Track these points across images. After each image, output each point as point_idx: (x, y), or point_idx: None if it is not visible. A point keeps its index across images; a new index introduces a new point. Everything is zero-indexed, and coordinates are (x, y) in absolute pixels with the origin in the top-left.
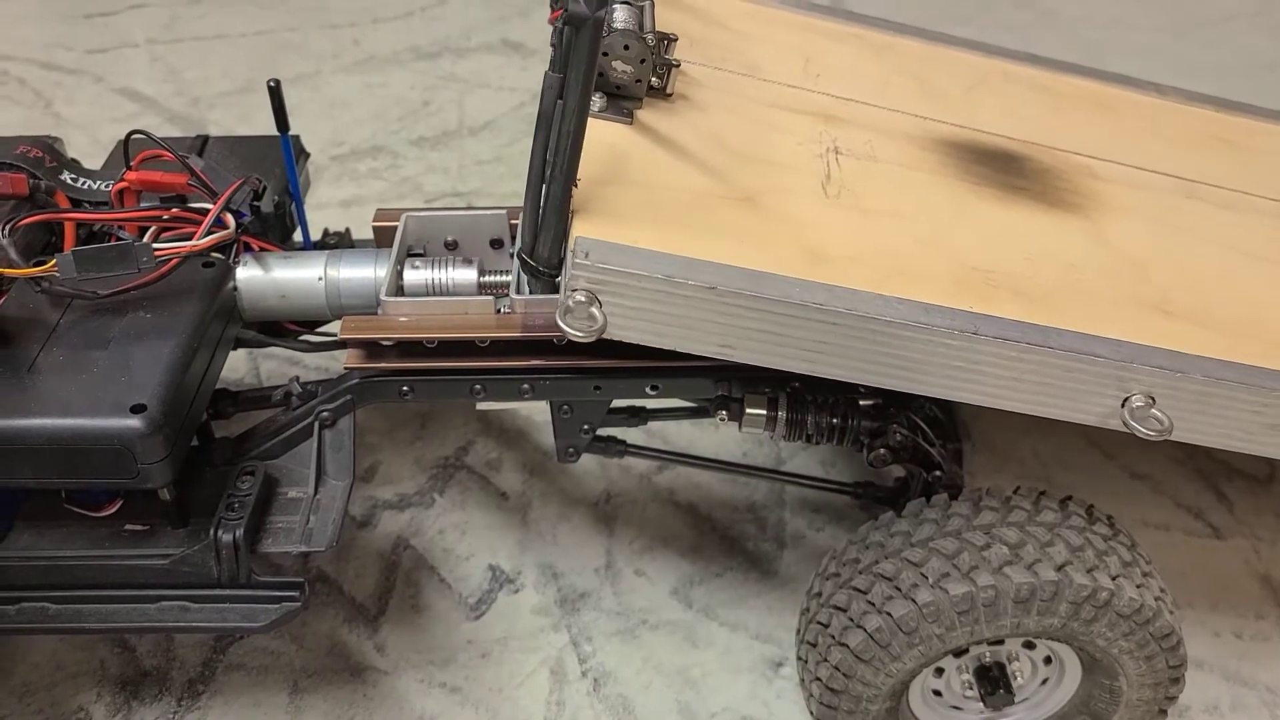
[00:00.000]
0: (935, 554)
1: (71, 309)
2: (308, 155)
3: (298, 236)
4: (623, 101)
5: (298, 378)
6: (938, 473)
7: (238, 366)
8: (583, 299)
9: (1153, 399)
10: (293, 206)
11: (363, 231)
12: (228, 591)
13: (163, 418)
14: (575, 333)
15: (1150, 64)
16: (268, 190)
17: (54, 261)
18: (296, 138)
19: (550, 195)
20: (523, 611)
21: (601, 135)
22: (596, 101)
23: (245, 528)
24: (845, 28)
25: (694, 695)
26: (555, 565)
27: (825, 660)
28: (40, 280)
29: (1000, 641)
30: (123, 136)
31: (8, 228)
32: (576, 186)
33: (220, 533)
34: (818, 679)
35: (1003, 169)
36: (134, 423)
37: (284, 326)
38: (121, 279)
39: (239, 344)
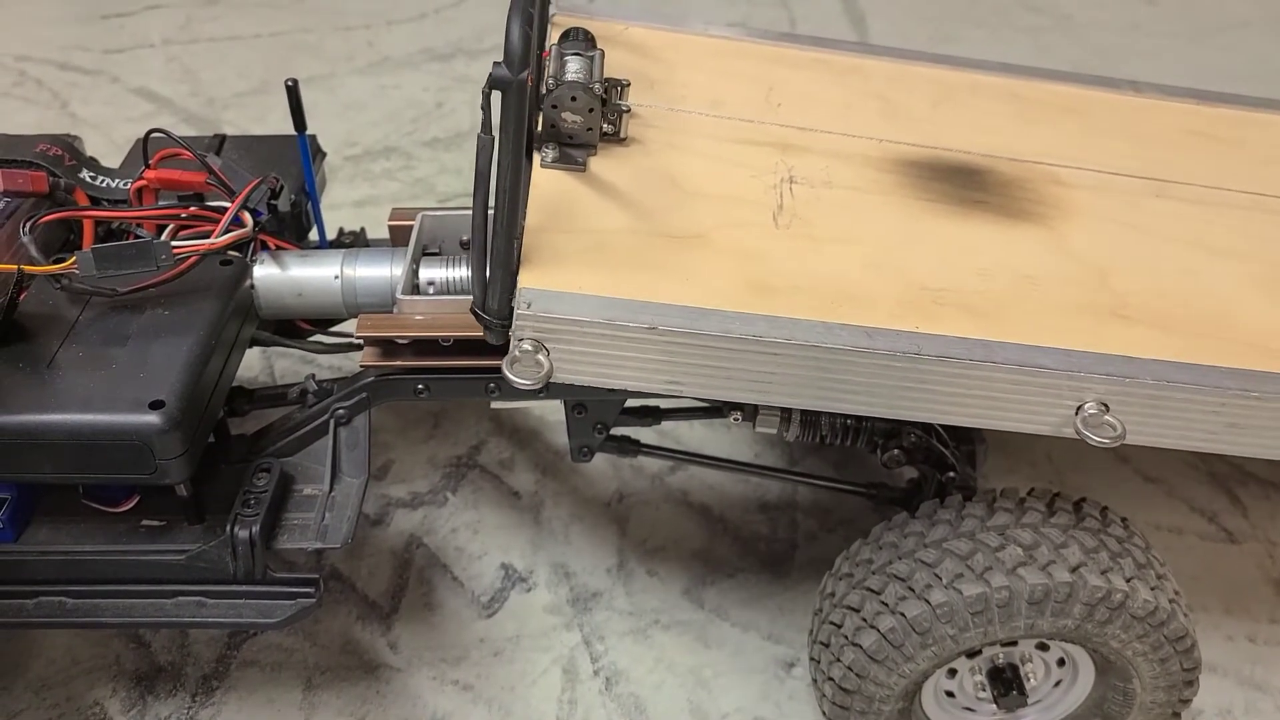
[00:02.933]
0: (949, 555)
1: (90, 306)
2: (324, 155)
3: (314, 235)
4: (575, 150)
5: (313, 375)
6: (951, 474)
7: (252, 365)
8: (529, 348)
9: (1106, 406)
10: (309, 205)
11: (377, 232)
12: (243, 587)
13: (181, 414)
14: (522, 381)
15: (1164, 68)
16: (284, 189)
17: (73, 259)
18: (313, 137)
19: (494, 251)
20: (535, 610)
21: (552, 185)
22: (549, 152)
23: (261, 524)
24: (809, 53)
25: (706, 695)
26: (567, 564)
27: (838, 660)
28: (60, 277)
29: (1014, 643)
30: (138, 136)
31: (28, 225)
32: (519, 240)
33: (236, 529)
34: (830, 679)
35: (963, 184)
36: (152, 419)
37: (298, 326)
38: (140, 276)
39: (253, 342)
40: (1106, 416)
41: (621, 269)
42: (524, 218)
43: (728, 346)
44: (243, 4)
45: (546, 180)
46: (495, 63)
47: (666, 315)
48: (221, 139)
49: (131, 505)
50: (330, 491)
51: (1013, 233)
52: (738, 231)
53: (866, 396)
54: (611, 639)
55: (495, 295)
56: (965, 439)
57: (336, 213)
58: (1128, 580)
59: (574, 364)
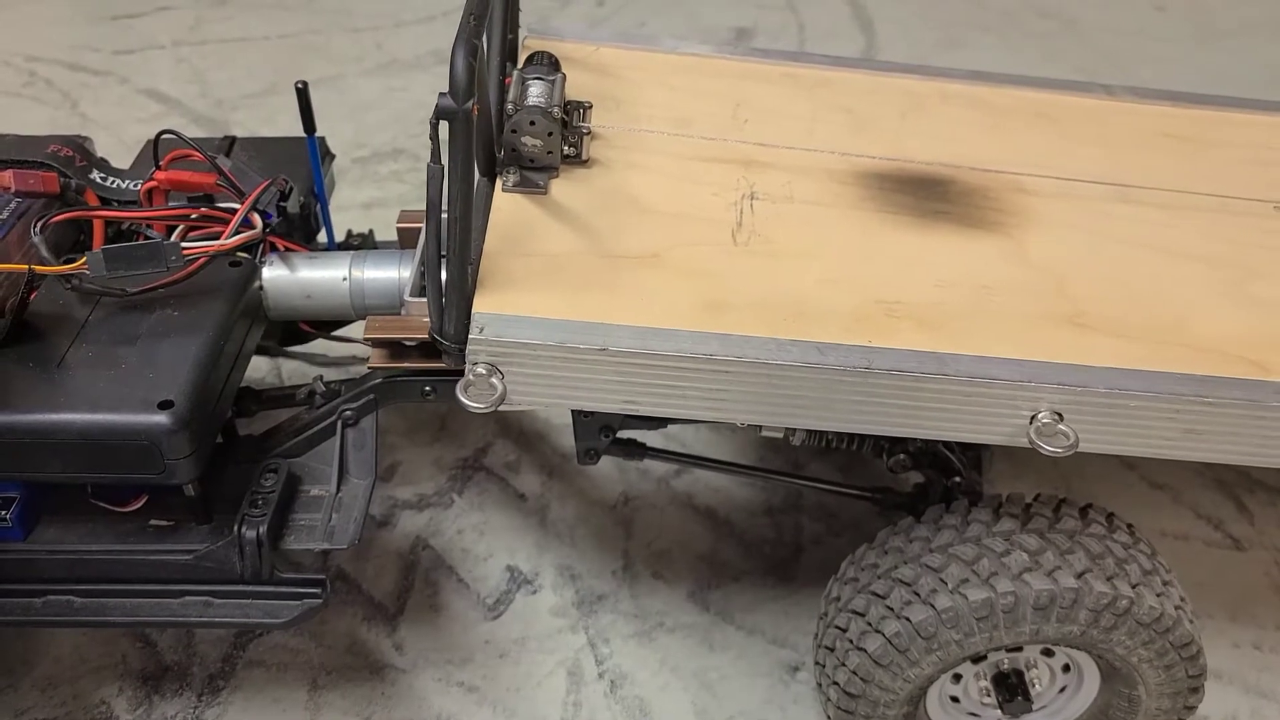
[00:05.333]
0: (955, 560)
1: (100, 306)
2: (333, 156)
3: (322, 237)
4: (536, 174)
5: (321, 376)
6: (957, 479)
7: (259, 366)
8: (483, 371)
9: (1059, 415)
10: (318, 207)
11: (385, 234)
12: (250, 587)
13: (189, 414)
14: (474, 405)
15: (1171, 73)
16: (294, 191)
17: (84, 259)
18: (322, 139)
19: (449, 277)
20: (540, 612)
21: (512, 209)
22: (511, 177)
23: (268, 524)
24: (779, 68)
25: (710, 698)
26: (573, 567)
27: (843, 665)
28: (70, 278)
29: (1019, 648)
30: (148, 137)
31: (39, 225)
32: (475, 264)
33: (244, 529)
34: (835, 683)
35: (925, 195)
36: (161, 419)
37: (301, 329)
38: (150, 277)
39: (259, 352)
40: (1060, 425)
41: (576, 291)
42: (482, 242)
43: (680, 366)
44: (252, 5)
45: (507, 204)
46: (440, 93)
47: (618, 336)
48: (231, 140)
49: (140, 505)
50: (337, 492)
51: (972, 243)
52: (695, 250)
53: (821, 411)
54: (616, 641)
55: (451, 320)
56: (971, 444)
57: (345, 214)
58: (1133, 586)
59: (528, 386)
